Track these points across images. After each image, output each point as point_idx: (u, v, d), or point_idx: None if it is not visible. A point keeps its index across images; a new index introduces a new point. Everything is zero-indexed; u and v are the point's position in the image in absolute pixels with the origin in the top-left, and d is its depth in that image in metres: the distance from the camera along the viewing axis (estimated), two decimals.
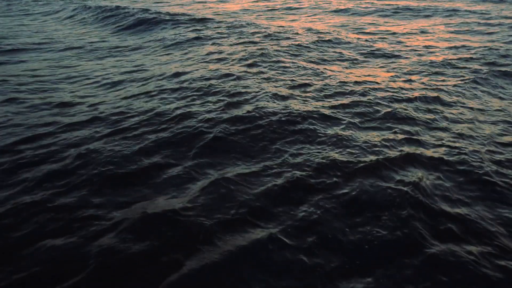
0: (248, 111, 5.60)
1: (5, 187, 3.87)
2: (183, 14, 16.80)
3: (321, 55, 9.66)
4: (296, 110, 5.76)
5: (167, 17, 15.77)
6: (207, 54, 9.61)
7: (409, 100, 6.36)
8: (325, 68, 8.47)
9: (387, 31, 13.39)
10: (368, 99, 6.32)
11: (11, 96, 6.79)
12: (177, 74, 7.84)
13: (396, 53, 10.01)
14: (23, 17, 19.35)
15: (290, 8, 20.95)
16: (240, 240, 3.16)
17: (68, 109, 6.10)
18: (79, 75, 8.31)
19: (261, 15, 18.43)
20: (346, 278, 2.81)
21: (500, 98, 6.88)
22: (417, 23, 15.20)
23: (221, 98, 6.30)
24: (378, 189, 3.81)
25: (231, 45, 10.68)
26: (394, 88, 7.00)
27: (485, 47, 10.45)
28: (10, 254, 3.04)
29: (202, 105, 6.02)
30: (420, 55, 9.76)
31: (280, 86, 7.04)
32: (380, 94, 6.63)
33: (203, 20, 15.23)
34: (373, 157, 4.40)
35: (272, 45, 10.58)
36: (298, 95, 6.55)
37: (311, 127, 5.19)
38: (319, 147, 4.65)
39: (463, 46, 10.78)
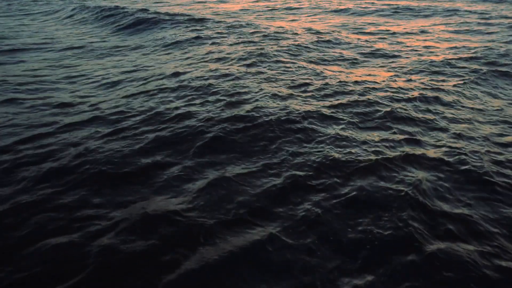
0: (248, 111, 5.61)
1: (5, 187, 3.87)
2: (183, 14, 16.79)
3: (320, 55, 9.66)
4: (295, 110, 5.76)
5: (167, 17, 15.77)
6: (207, 54, 9.61)
7: (409, 100, 6.36)
8: (324, 68, 8.47)
9: (387, 31, 13.40)
10: (367, 98, 6.32)
11: (11, 96, 6.79)
12: (176, 74, 7.84)
13: (396, 53, 10.01)
14: (22, 17, 19.34)
15: (290, 8, 20.96)
16: (240, 239, 3.16)
17: (68, 109, 6.10)
18: (79, 74, 8.31)
19: (261, 15, 18.43)
20: (345, 277, 2.82)
21: (500, 98, 6.89)
22: (417, 23, 15.21)
23: (221, 97, 6.30)
24: (377, 189, 3.81)
25: (230, 45, 10.68)
26: (394, 88, 7.01)
27: (485, 47, 10.45)
28: (10, 253, 3.04)
29: (201, 105, 6.02)
30: (420, 55, 9.76)
31: (280, 86, 7.04)
32: (380, 94, 6.63)
33: (202, 20, 15.23)
34: (372, 157, 4.40)
35: (271, 45, 10.58)
36: (297, 95, 6.55)
37: (311, 126, 5.19)
38: (318, 146, 4.66)
39: (463, 46, 10.79)
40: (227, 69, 8.12)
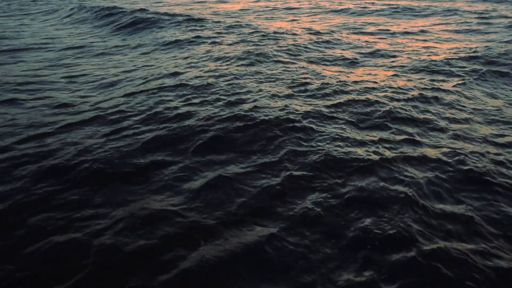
0: (247, 111, 5.61)
1: (5, 186, 3.87)
2: (182, 14, 16.80)
3: (320, 55, 9.67)
4: (295, 110, 5.76)
5: (166, 17, 15.77)
6: (206, 54, 9.61)
7: (409, 100, 6.36)
8: (324, 68, 8.48)
9: (387, 31, 13.40)
10: (367, 98, 6.32)
11: (11, 96, 6.80)
12: (176, 74, 7.84)
13: (396, 53, 10.01)
14: (22, 17, 19.34)
15: (290, 8, 20.96)
16: (239, 239, 3.16)
17: (68, 109, 6.11)
18: (79, 74, 8.32)
19: (261, 15, 18.43)
20: (345, 276, 2.82)
21: (499, 98, 6.89)
22: (416, 23, 15.21)
23: (220, 97, 6.30)
24: (377, 189, 3.82)
25: (230, 44, 10.68)
26: (393, 87, 7.01)
27: (484, 47, 10.46)
28: (10, 252, 3.05)
29: (201, 104, 6.02)
30: (419, 55, 9.76)
31: (279, 85, 7.04)
32: (380, 94, 6.63)
33: (202, 20, 15.23)
34: (372, 157, 4.40)
35: (271, 45, 10.58)
36: (297, 95, 6.55)
37: (310, 126, 5.19)
38: (318, 146, 4.65)
39: (463, 46, 10.79)
40: (227, 68, 8.12)
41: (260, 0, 24.70)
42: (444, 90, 6.94)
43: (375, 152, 4.55)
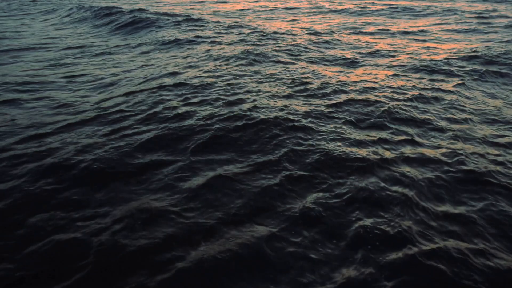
0: (247, 110, 5.61)
1: (6, 186, 3.87)
2: (182, 14, 16.80)
3: (320, 55, 9.67)
4: (294, 109, 5.76)
5: (166, 17, 15.78)
6: (206, 54, 9.61)
7: (408, 100, 6.36)
8: (323, 68, 8.48)
9: (387, 31, 13.40)
10: (366, 98, 6.32)
11: (11, 96, 6.81)
12: (175, 73, 7.84)
13: (395, 53, 10.01)
14: (22, 17, 19.35)
15: (290, 8, 20.97)
16: (239, 238, 3.17)
17: (68, 108, 6.13)
18: (79, 74, 8.33)
19: (261, 15, 18.43)
20: (344, 275, 2.82)
21: (499, 98, 6.89)
22: (416, 23, 15.21)
23: (220, 97, 6.31)
24: (376, 189, 3.82)
25: (229, 44, 10.68)
26: (393, 87, 7.01)
27: (484, 47, 10.46)
28: (10, 251, 3.06)
29: (200, 104, 6.02)
30: (419, 55, 9.77)
31: (279, 85, 7.05)
32: (379, 93, 6.63)
33: (202, 20, 15.23)
34: (371, 157, 4.40)
35: (271, 44, 10.59)
36: (296, 95, 6.55)
37: (309, 126, 5.19)
38: (317, 146, 4.65)
39: (462, 46, 10.79)
40: (226, 68, 8.13)
41: (260, 0, 24.71)
42: (443, 90, 6.94)
43: (374, 152, 4.55)
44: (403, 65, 8.67)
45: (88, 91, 7.15)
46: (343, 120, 5.49)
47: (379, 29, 13.66)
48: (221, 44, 10.83)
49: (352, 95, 6.48)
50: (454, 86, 7.21)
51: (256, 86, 6.92)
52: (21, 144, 4.80)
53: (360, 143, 4.78)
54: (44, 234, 3.22)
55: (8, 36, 13.40)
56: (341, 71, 8.26)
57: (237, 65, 8.35)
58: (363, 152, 4.54)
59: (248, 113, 5.51)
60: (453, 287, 2.74)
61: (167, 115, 5.59)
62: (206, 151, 4.57)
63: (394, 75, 7.94)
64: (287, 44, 10.62)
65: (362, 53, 9.99)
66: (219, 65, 8.41)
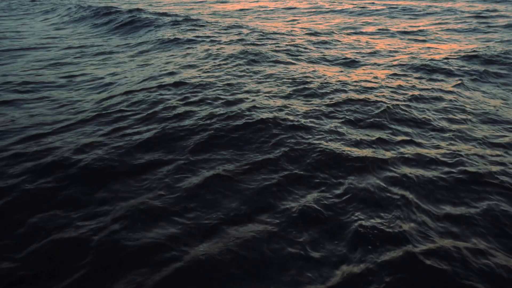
0: (246, 110, 5.62)
1: (6, 185, 3.88)
2: (182, 14, 16.81)
3: (320, 55, 9.67)
4: (293, 109, 5.76)
5: (166, 17, 15.78)
6: (205, 53, 9.61)
7: (408, 100, 6.36)
8: (323, 68, 8.48)
9: (387, 31, 13.40)
10: (366, 98, 6.32)
11: (11, 96, 6.81)
12: (175, 73, 7.85)
13: (395, 53, 10.01)
14: (21, 17, 19.35)
15: (289, 8, 20.98)
16: (238, 236, 3.18)
17: (68, 108, 6.15)
18: (78, 74, 8.34)
19: (260, 15, 18.44)
20: (343, 274, 2.82)
21: (499, 98, 6.88)
22: (416, 23, 15.22)
23: (219, 96, 6.31)
24: (375, 188, 3.82)
25: (229, 44, 10.68)
26: (392, 87, 7.01)
27: (484, 47, 10.46)
28: (10, 250, 3.06)
29: (200, 103, 6.03)
30: (419, 55, 9.76)
31: (278, 85, 7.05)
32: (379, 93, 6.63)
33: (201, 20, 15.24)
34: (370, 156, 4.40)
35: (270, 44, 10.59)
36: (296, 94, 6.55)
37: (308, 125, 5.19)
38: (316, 145, 4.65)
39: (462, 46, 10.79)
40: (225, 68, 8.13)
41: (259, 0, 24.72)
42: (443, 90, 6.94)
43: (374, 152, 4.55)
44: (403, 65, 8.67)
45: (87, 90, 7.16)
46: (342, 120, 5.49)
47: (378, 29, 13.66)
48: (220, 44, 10.83)
49: (351, 95, 6.48)
50: (453, 86, 7.21)
51: (256, 86, 6.92)
52: (21, 143, 4.81)
53: (359, 143, 4.78)
54: (44, 233, 3.22)
55: (8, 36, 13.41)
56: (340, 71, 8.26)
57: (236, 65, 8.36)
58: (362, 152, 4.54)
59: (248, 112, 5.52)
60: (453, 286, 2.74)
61: (166, 114, 5.59)
62: (205, 150, 4.57)
63: (394, 75, 7.93)
64: (286, 44, 10.62)
65: (362, 53, 9.99)
66: (219, 65, 8.41)
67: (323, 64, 8.84)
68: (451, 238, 3.20)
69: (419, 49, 10.56)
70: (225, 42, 11.01)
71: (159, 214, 3.45)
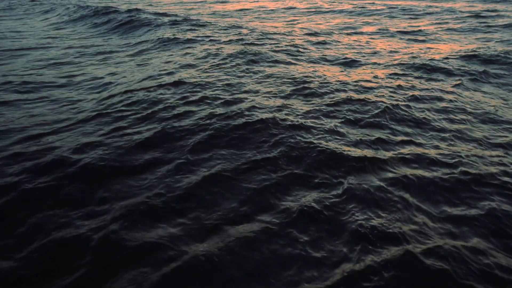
0: (246, 109, 5.63)
1: (5, 184, 3.88)
2: (182, 14, 16.81)
3: (319, 55, 9.67)
4: (293, 109, 5.77)
5: (165, 17, 15.79)
6: (205, 53, 9.61)
7: (407, 100, 6.36)
8: (323, 68, 8.48)
9: (386, 31, 13.40)
10: (365, 98, 6.33)
11: (12, 95, 6.82)
12: (174, 72, 7.85)
13: (395, 53, 10.02)
14: (21, 17, 19.36)
15: (289, 8, 20.98)
16: (238, 234, 3.18)
17: (68, 107, 6.15)
18: (78, 73, 8.35)
19: (260, 15, 18.44)
20: (342, 272, 2.82)
21: (498, 98, 6.88)
22: (416, 23, 15.22)
23: (219, 96, 6.31)
24: (374, 188, 3.82)
25: (229, 44, 10.68)
26: (392, 87, 7.01)
27: (484, 47, 10.46)
28: (10, 249, 3.07)
29: (199, 103, 6.03)
30: (418, 55, 9.77)
31: (278, 85, 7.05)
32: (378, 93, 6.63)
33: (201, 20, 15.24)
34: (369, 156, 4.40)
35: (270, 44, 10.59)
36: (295, 94, 6.56)
37: (308, 125, 5.19)
38: (315, 145, 4.65)
39: (462, 46, 10.79)
40: (225, 68, 8.13)
41: (259, 0, 24.73)
42: (443, 90, 6.94)
43: (373, 152, 4.55)
44: (403, 65, 8.67)
45: (87, 90, 7.16)
46: (342, 120, 5.49)
47: (378, 29, 13.67)
48: (220, 43, 10.84)
49: (351, 95, 6.48)
50: (453, 86, 7.21)
51: (255, 86, 6.92)
52: (21, 143, 4.82)
53: (359, 143, 4.78)
54: (44, 233, 3.23)
55: (8, 36, 13.41)
56: (340, 71, 8.26)
57: (236, 65, 8.36)
58: (362, 152, 4.54)
59: (247, 112, 5.52)
60: (452, 286, 2.74)
61: (166, 114, 5.60)
62: (205, 150, 4.58)
63: (394, 74, 7.94)
64: (286, 44, 10.62)
65: (362, 53, 9.99)
66: (218, 65, 8.41)
67: (323, 64, 8.84)
68: (450, 238, 3.20)
69: (419, 49, 10.56)
70: (224, 42, 11.02)
71: (159, 213, 3.46)
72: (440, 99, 6.48)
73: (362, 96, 6.42)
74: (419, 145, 4.81)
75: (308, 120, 5.38)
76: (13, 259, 2.96)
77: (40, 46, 11.59)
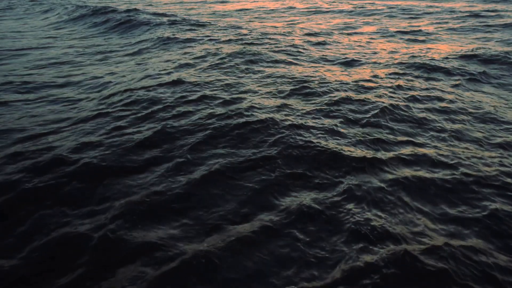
0: (245, 108, 5.64)
1: (6, 183, 3.89)
2: (182, 14, 16.81)
3: (319, 55, 9.67)
4: (292, 108, 5.77)
5: (165, 17, 15.79)
6: (204, 53, 9.61)
7: (406, 99, 6.36)
8: (322, 68, 8.48)
9: (386, 31, 13.40)
10: (365, 97, 6.33)
11: (12, 95, 6.82)
12: (174, 72, 7.85)
13: (394, 53, 10.01)
14: (20, 17, 19.36)
15: (289, 8, 20.98)
16: (237, 232, 3.19)
17: (68, 107, 6.17)
18: (78, 73, 8.35)
19: (260, 15, 18.44)
20: (342, 271, 2.82)
21: (498, 98, 6.88)
22: (416, 23, 15.21)
23: (218, 95, 6.32)
24: (373, 187, 3.83)
25: (228, 44, 10.68)
26: (391, 87, 7.01)
27: (483, 47, 10.45)
28: (10, 247, 3.08)
29: (198, 102, 6.04)
30: (418, 55, 9.76)
31: (277, 84, 7.05)
32: (378, 93, 6.63)
33: (201, 20, 15.24)
34: (368, 156, 4.41)
35: (269, 44, 10.59)
36: (294, 94, 6.56)
37: (308, 124, 5.20)
38: (314, 144, 4.65)
39: (462, 46, 10.79)
40: (224, 67, 8.14)
41: (259, 0, 24.74)
42: (442, 90, 6.94)
43: (372, 152, 4.55)
44: (403, 65, 8.67)
45: (87, 89, 7.17)
46: (341, 119, 5.49)
47: (378, 29, 13.67)
48: (219, 43, 10.84)
49: (350, 95, 6.48)
50: (453, 86, 7.21)
51: (255, 85, 6.93)
52: (21, 143, 4.82)
53: (358, 143, 4.78)
54: (44, 232, 3.24)
55: (8, 36, 13.41)
56: (340, 71, 8.26)
57: (235, 65, 8.36)
58: (361, 151, 4.54)
59: (247, 112, 5.52)
60: (451, 286, 2.74)
61: (165, 113, 5.61)
62: (204, 149, 4.58)
63: (393, 74, 7.93)
64: (286, 44, 10.62)
65: (361, 53, 9.99)
66: (218, 64, 8.41)
67: (323, 64, 8.84)
68: (450, 238, 3.20)
69: (419, 49, 10.56)
70: (224, 41, 11.02)
71: (158, 213, 3.46)
72: (439, 99, 6.48)
73: (361, 96, 6.42)
74: (418, 145, 4.81)
75: (308, 120, 5.38)
76: (13, 258, 2.97)
77: (40, 46, 11.59)
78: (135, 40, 12.12)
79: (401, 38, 12.17)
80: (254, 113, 5.47)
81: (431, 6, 19.97)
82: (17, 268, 2.88)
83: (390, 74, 7.96)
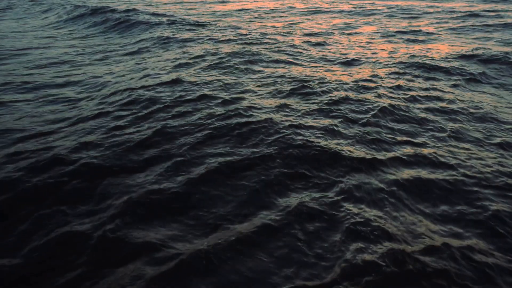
0: (244, 108, 5.64)
1: (7, 183, 3.89)
2: (182, 14, 16.81)
3: (319, 55, 9.67)
4: (292, 108, 5.77)
5: (165, 16, 15.79)
6: (204, 53, 9.61)
7: (406, 99, 6.37)
8: (322, 68, 8.48)
9: (386, 31, 13.40)
10: (364, 97, 6.33)
11: (13, 95, 6.82)
12: (173, 71, 7.85)
13: (394, 53, 10.01)
14: (20, 17, 19.35)
15: (289, 8, 20.98)
16: (236, 231, 3.19)
17: (68, 106, 6.17)
18: (78, 73, 8.35)
19: (260, 15, 18.44)
20: (341, 270, 2.83)
21: (497, 98, 6.89)
22: (416, 23, 15.21)
23: (217, 95, 6.32)
24: (372, 187, 3.83)
25: (227, 44, 10.68)
26: (391, 87, 7.01)
27: (483, 47, 10.46)
28: (11, 246, 3.08)
29: (198, 102, 6.04)
30: (418, 55, 9.76)
31: (276, 84, 7.05)
32: (377, 93, 6.63)
33: (201, 20, 15.24)
34: (367, 155, 4.41)
35: (269, 44, 10.59)
36: (294, 94, 6.56)
37: (307, 124, 5.20)
38: (313, 144, 4.65)
39: (461, 46, 10.79)
40: (224, 67, 8.14)
41: (259, 0, 24.74)
42: (442, 90, 6.94)
43: (371, 151, 4.56)
44: (402, 65, 8.67)
45: (87, 89, 7.17)
46: (341, 119, 5.49)
47: (378, 29, 13.67)
48: (219, 43, 10.83)
49: (350, 94, 6.48)
50: (453, 86, 7.21)
51: (254, 85, 6.93)
52: (21, 142, 4.83)
53: (357, 142, 4.79)
54: (44, 231, 3.24)
55: (9, 36, 13.41)
56: (339, 71, 8.26)
57: (235, 64, 8.36)
58: (360, 151, 4.55)
59: (246, 111, 5.52)
60: (450, 285, 2.74)
61: (165, 113, 5.61)
62: (204, 148, 4.58)
63: (393, 74, 7.93)
64: (285, 44, 10.62)
65: (361, 53, 9.99)
66: (217, 64, 8.41)
67: (322, 64, 8.84)
68: (449, 238, 3.20)
69: (419, 49, 10.56)
70: (224, 41, 11.02)
71: (158, 212, 3.47)
72: (439, 99, 6.48)
73: (361, 96, 6.42)
74: (418, 145, 4.81)
75: (307, 120, 5.38)
76: (13, 257, 2.97)
77: (40, 46, 11.58)
78: (134, 40, 12.12)
79: (401, 38, 12.17)
80: (253, 113, 5.48)
81: (431, 6, 19.97)
82: (17, 268, 2.88)
83: (390, 74, 7.96)
